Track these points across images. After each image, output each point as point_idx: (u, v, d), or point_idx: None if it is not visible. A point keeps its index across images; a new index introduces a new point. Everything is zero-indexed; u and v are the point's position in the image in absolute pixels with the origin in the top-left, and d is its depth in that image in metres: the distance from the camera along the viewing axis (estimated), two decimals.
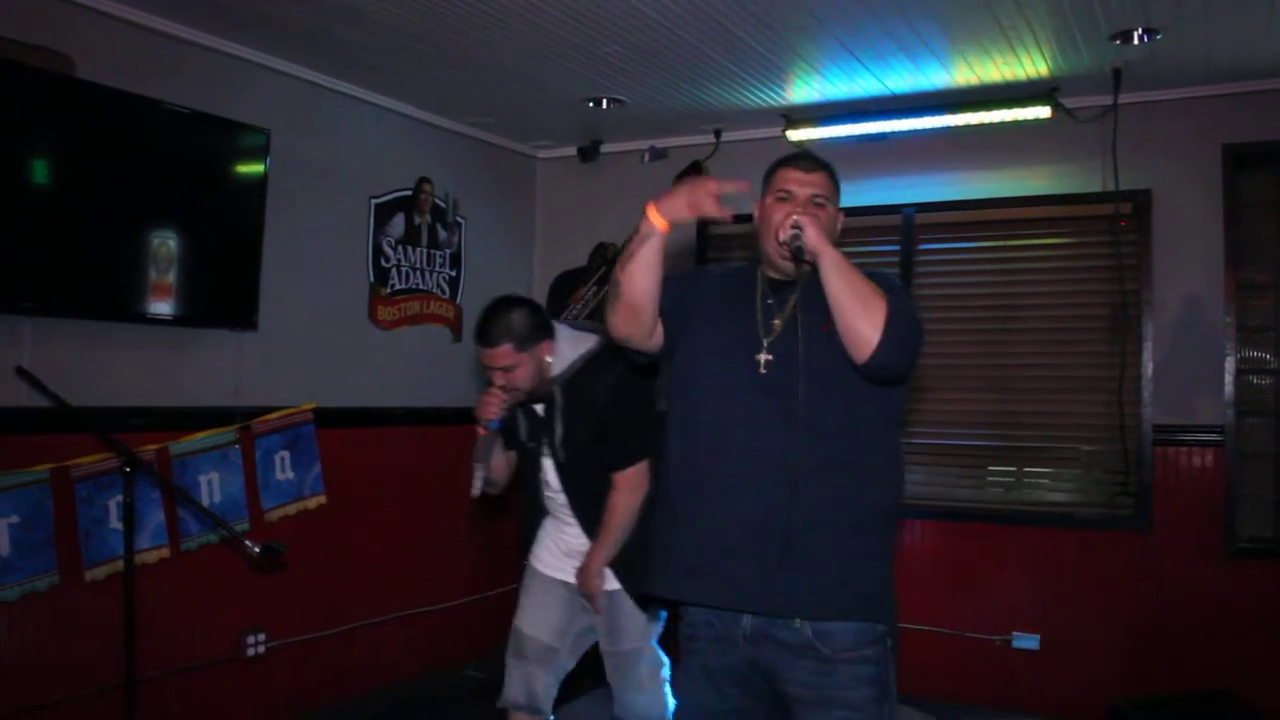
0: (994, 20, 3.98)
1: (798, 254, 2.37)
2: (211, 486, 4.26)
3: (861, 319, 2.29)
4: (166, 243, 4.00)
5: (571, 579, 3.35)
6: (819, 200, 2.49)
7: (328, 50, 4.47)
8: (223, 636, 4.38)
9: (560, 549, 3.42)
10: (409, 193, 5.39)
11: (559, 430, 3.25)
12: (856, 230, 5.51)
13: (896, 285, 2.47)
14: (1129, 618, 4.75)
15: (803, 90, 4.94)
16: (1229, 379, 4.69)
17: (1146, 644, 4.72)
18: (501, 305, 3.22)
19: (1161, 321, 4.81)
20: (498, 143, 6.01)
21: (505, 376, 3.17)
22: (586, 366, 3.24)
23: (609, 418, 3.20)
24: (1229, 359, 4.69)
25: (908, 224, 5.32)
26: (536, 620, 3.41)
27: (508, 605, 5.96)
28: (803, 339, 2.38)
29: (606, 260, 6.05)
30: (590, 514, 3.28)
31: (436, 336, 5.59)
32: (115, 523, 3.83)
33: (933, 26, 4.07)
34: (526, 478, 3.46)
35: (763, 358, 2.45)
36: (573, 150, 6.17)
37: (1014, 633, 4.92)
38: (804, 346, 2.38)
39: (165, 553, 4.08)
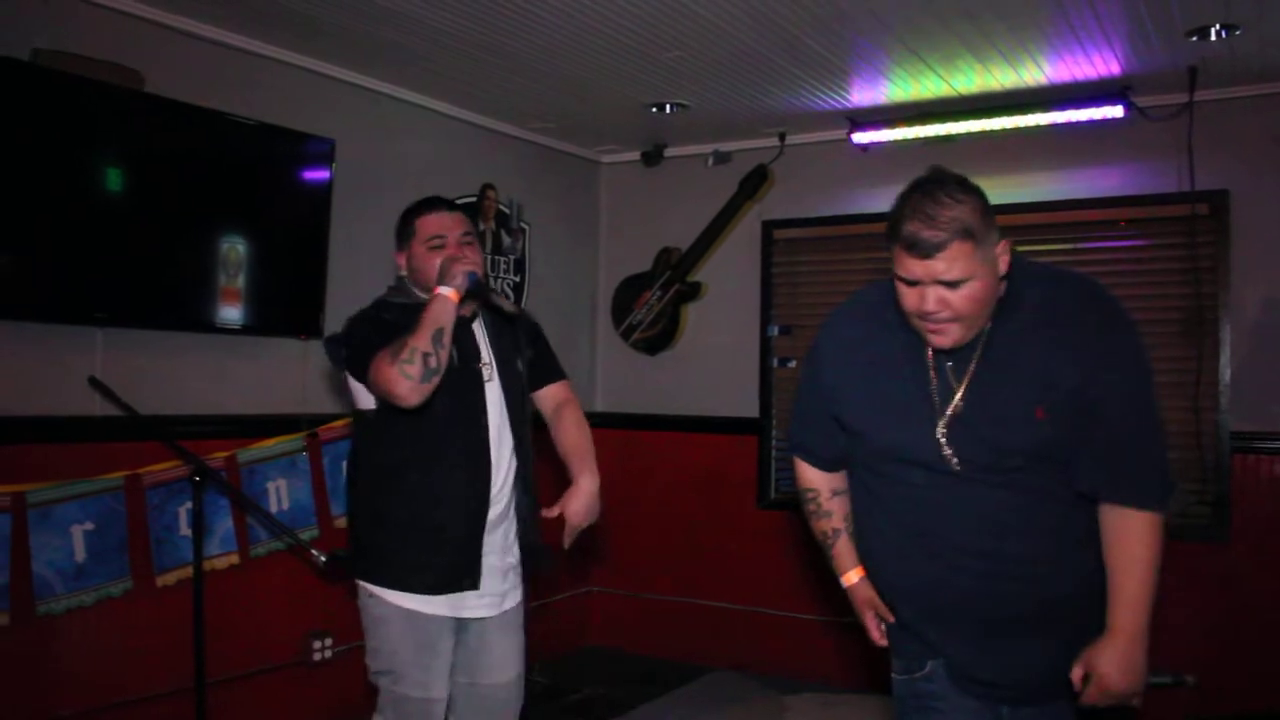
0: (1064, 18, 3.89)
1: None
2: (280, 493, 4.32)
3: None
4: (233, 253, 4.05)
5: (478, 610, 2.83)
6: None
7: (391, 59, 4.50)
8: (290, 641, 4.43)
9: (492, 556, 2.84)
10: (474, 199, 5.41)
11: (511, 342, 2.93)
12: None
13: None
14: (1206, 631, 4.62)
15: (867, 93, 4.88)
16: None
17: (1225, 657, 4.59)
18: None
19: (1240, 325, 4.68)
20: (561, 148, 6.02)
21: (464, 250, 2.79)
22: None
23: (540, 338, 3.05)
24: None
25: None
26: (443, 680, 2.84)
27: (571, 610, 6.01)
28: (990, 411, 2.16)
29: (670, 265, 6.03)
30: (524, 455, 2.90)
31: None
32: (185, 529, 3.90)
33: (1000, 26, 3.99)
34: (454, 421, 2.77)
35: (943, 439, 2.19)
36: (637, 155, 6.16)
37: None
38: (991, 421, 2.15)
39: (234, 559, 4.14)
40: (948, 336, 2.12)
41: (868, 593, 2.46)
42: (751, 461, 5.82)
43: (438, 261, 2.74)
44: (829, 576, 5.81)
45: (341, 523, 4.52)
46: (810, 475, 2.55)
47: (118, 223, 3.69)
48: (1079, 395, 2.10)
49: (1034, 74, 4.54)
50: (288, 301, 4.29)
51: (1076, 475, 2.16)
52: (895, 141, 5.28)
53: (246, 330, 4.15)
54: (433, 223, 2.82)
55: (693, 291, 6.01)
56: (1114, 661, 2.12)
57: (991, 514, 2.17)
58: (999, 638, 2.22)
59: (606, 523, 6.18)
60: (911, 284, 2.09)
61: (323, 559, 3.24)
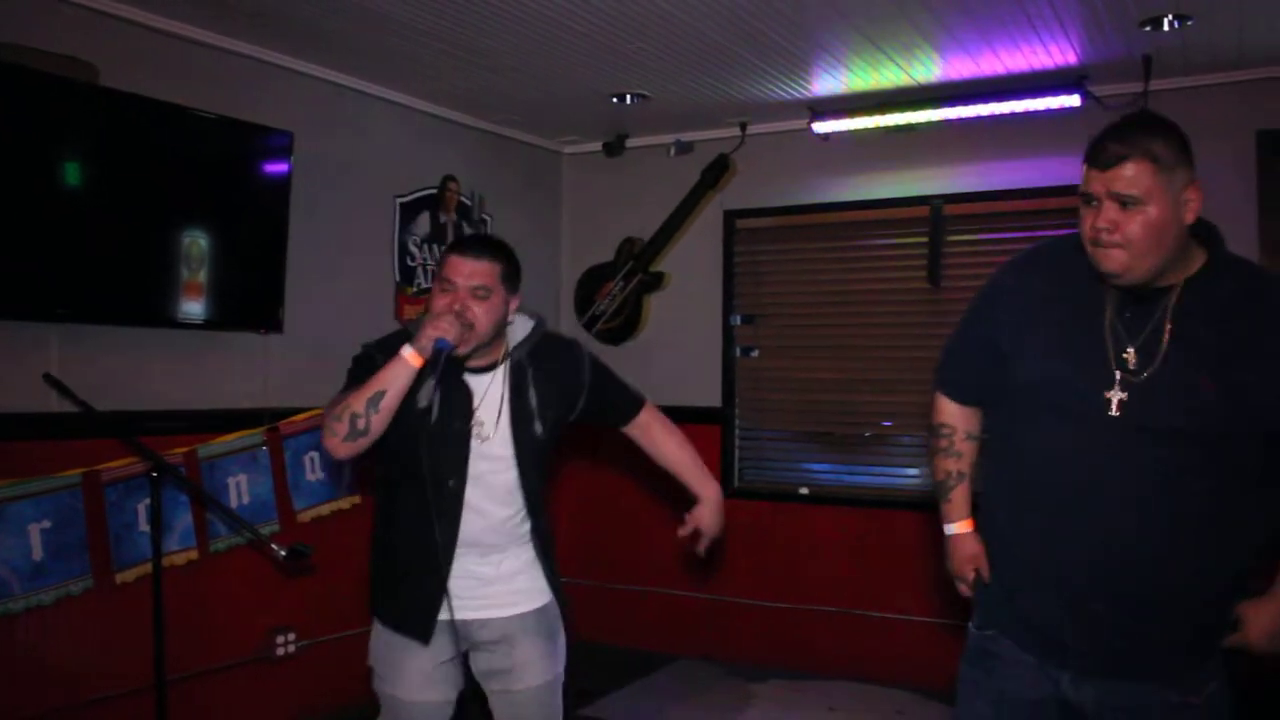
0: (1021, 9, 3.92)
1: None
2: (240, 488, 4.29)
3: None
4: (194, 247, 4.01)
5: (471, 614, 2.76)
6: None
7: (350, 51, 4.47)
8: (252, 636, 4.41)
9: (472, 579, 2.76)
10: (434, 191, 5.39)
11: (534, 403, 2.75)
12: (885, 222, 5.49)
13: None
14: None
15: (828, 83, 4.89)
16: None
17: None
18: (497, 240, 2.77)
19: None
20: (523, 139, 6.00)
21: (469, 302, 2.58)
22: (548, 339, 2.85)
23: (596, 388, 2.88)
24: None
25: (936, 215, 5.26)
26: (429, 683, 2.78)
27: None
28: (1170, 384, 2.08)
29: (633, 255, 6.03)
30: (535, 506, 2.79)
31: None
32: (144, 526, 3.86)
33: (958, 16, 4.02)
34: (422, 476, 2.65)
35: (1114, 397, 2.12)
36: (598, 145, 6.15)
37: None
38: (1169, 392, 2.07)
39: (194, 554, 4.09)
40: (1112, 261, 2.09)
41: (974, 547, 2.46)
42: (715, 450, 5.84)
43: (437, 305, 2.61)
44: (793, 564, 5.83)
45: (303, 517, 4.52)
46: (949, 410, 2.53)
47: (75, 218, 3.65)
48: (1265, 399, 2.06)
49: (991, 64, 4.57)
50: (247, 295, 4.25)
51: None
52: (855, 131, 5.30)
53: (205, 325, 4.11)
54: (450, 264, 2.64)
55: (655, 281, 6.01)
56: (1260, 620, 2.18)
57: (1121, 481, 2.11)
58: (1094, 607, 2.17)
59: (570, 513, 6.20)
60: (1090, 203, 2.13)
61: (283, 553, 3.21)
